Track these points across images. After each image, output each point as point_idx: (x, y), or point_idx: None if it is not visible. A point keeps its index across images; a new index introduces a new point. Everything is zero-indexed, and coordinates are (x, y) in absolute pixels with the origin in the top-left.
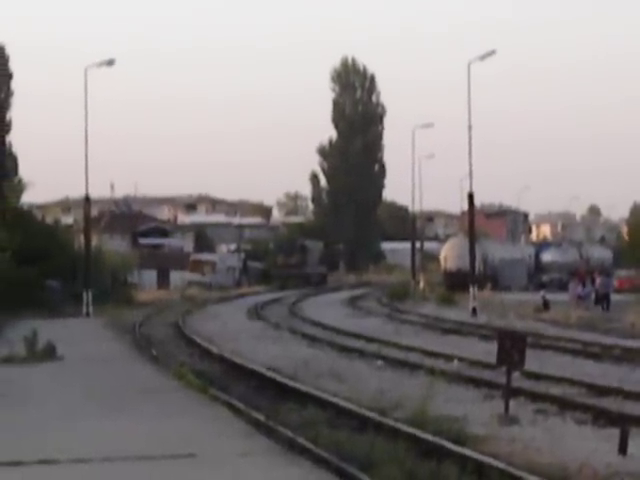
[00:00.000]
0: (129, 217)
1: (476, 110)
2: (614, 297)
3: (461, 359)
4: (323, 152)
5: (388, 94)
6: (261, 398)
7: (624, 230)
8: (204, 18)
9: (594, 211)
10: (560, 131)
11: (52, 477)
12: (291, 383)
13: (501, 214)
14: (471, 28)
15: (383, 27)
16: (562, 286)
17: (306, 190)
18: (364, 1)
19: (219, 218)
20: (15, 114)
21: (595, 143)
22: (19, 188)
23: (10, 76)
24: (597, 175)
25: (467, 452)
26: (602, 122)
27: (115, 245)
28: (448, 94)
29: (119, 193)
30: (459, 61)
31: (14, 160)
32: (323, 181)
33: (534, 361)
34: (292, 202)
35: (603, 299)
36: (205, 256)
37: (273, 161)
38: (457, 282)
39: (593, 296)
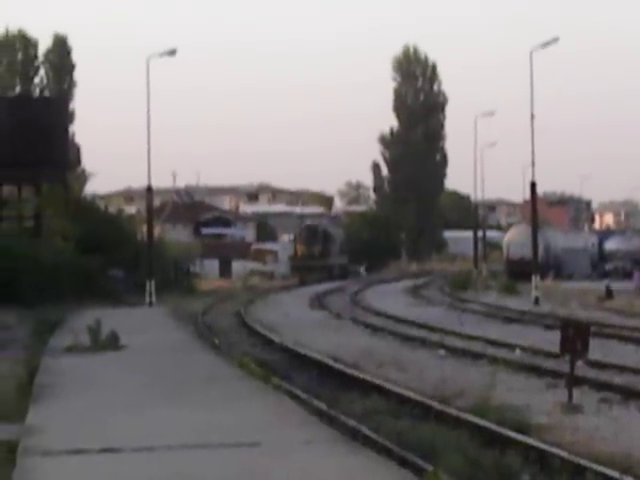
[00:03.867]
0: (191, 207)
1: (538, 95)
2: None
3: (524, 348)
4: (384, 141)
5: (450, 83)
6: (323, 387)
7: None
8: (266, 9)
9: None
10: (623, 116)
11: (114, 466)
12: (353, 372)
13: (564, 202)
14: (533, 13)
15: (445, 15)
16: (626, 275)
17: (368, 179)
18: None
19: (280, 208)
20: (78, 105)
21: None
22: (82, 178)
23: (73, 67)
24: None
25: (530, 441)
26: None
27: (177, 235)
28: (510, 80)
29: (181, 183)
30: (521, 48)
31: (77, 151)
32: (385, 170)
33: (598, 350)
34: (354, 191)
35: None
36: (267, 245)
37: (334, 150)
38: (519, 271)
39: None
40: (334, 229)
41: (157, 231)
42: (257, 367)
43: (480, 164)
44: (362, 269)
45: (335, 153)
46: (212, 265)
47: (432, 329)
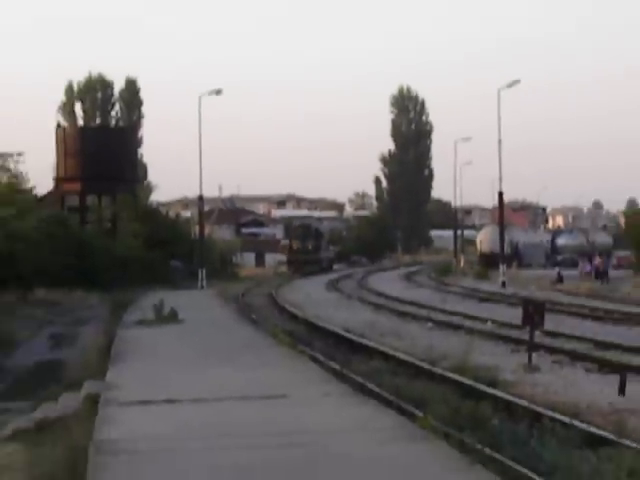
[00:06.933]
0: (233, 212)
1: (505, 122)
2: (614, 273)
3: (494, 321)
4: (384, 160)
5: (435, 114)
6: (337, 352)
7: (621, 220)
8: (290, 57)
9: (598, 205)
10: (571, 138)
11: (175, 412)
12: (360, 340)
13: (524, 208)
14: (500, 57)
15: (431, 59)
16: (573, 264)
17: (371, 190)
18: (417, 41)
19: (303, 212)
20: (145, 132)
21: (598, 147)
22: (148, 189)
23: (141, 103)
24: (600, 175)
25: (499, 394)
26: (605, 129)
27: (222, 233)
28: (483, 112)
29: (226, 193)
30: (492, 86)
31: (144, 168)
32: (384, 183)
33: (551, 323)
34: (360, 199)
35: (602, 275)
36: None
37: (345, 167)
38: (490, 261)
39: (593, 272)
40: (324, 227)
41: (207, 231)
42: (286, 336)
43: (459, 178)
44: (390, 258)
45: (345, 170)
46: (249, 257)
47: (422, 306)
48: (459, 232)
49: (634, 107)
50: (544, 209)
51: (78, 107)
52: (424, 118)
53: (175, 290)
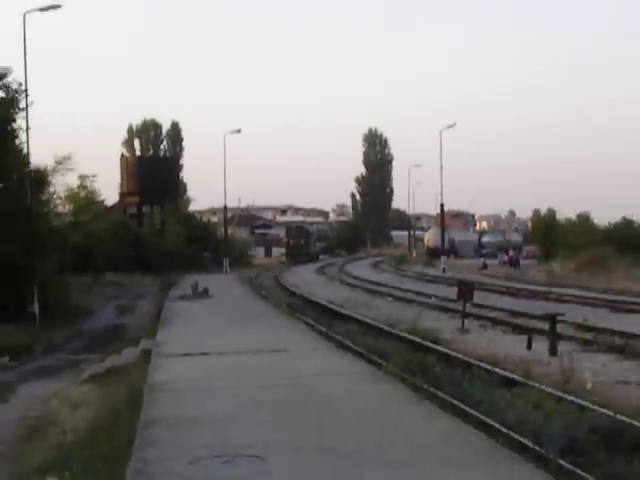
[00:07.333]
0: (249, 217)
1: (445, 151)
2: (524, 262)
3: (437, 296)
4: (358, 181)
5: (395, 148)
6: (323, 319)
7: (529, 224)
8: (290, 105)
9: (512, 213)
10: (493, 164)
11: (207, 362)
12: (340, 310)
13: (459, 215)
14: (444, 105)
15: (394, 104)
16: (494, 256)
17: (349, 202)
18: (383, 93)
19: (299, 218)
20: (185, 160)
21: (512, 171)
22: (187, 201)
23: (182, 139)
24: (514, 191)
25: (440, 348)
26: (516, 157)
27: (241, 233)
28: (430, 147)
29: (244, 203)
30: (436, 126)
31: (184, 186)
32: (358, 197)
33: (478, 297)
34: (341, 209)
35: (515, 263)
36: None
37: (330, 186)
38: (434, 253)
39: (509, 262)
40: (313, 229)
41: (229, 231)
42: (286, 307)
43: (412, 194)
44: (363, 251)
45: (330, 187)
46: (260, 250)
47: (384, 286)
48: (412, 232)
49: (543, 140)
50: (473, 216)
51: (136, 142)
52: (387, 150)
53: (206, 274)
